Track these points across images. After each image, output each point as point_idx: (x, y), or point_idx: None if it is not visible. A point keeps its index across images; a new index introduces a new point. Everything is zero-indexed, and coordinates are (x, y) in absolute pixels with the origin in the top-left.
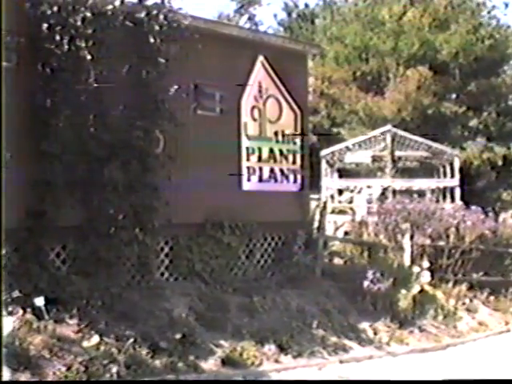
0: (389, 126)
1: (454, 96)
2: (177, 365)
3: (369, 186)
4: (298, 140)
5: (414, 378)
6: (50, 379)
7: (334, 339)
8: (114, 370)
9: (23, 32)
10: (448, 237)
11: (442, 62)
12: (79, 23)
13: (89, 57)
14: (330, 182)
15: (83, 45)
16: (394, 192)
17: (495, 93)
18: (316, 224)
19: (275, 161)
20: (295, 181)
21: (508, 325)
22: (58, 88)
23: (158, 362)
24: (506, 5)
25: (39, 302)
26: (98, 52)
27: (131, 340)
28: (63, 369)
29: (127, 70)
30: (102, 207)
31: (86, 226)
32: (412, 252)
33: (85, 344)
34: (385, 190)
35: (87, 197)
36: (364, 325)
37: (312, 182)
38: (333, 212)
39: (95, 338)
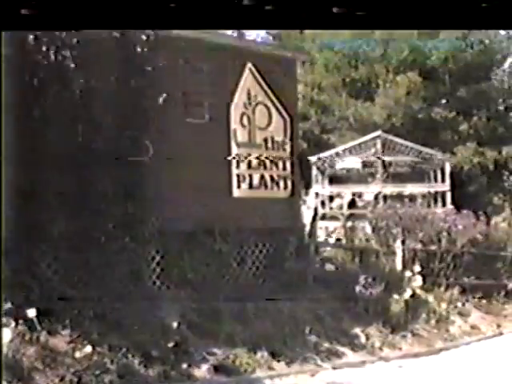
0: (379, 132)
1: (443, 101)
2: (170, 373)
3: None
4: (287, 146)
5: (407, 382)
6: None
7: (326, 345)
8: (107, 379)
9: (9, 43)
10: (439, 241)
11: (432, 67)
12: (64, 34)
13: (74, 66)
14: (320, 188)
15: (69, 54)
16: (385, 197)
17: (485, 97)
18: (307, 230)
19: (265, 167)
20: (285, 187)
21: (500, 328)
22: (46, 99)
23: (150, 371)
24: None
25: (31, 313)
26: (84, 62)
27: (124, 349)
28: (56, 380)
29: (115, 79)
30: (92, 217)
31: (77, 237)
32: (403, 256)
33: (77, 355)
34: (376, 195)
35: (77, 207)
36: (356, 330)
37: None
38: (324, 218)
39: (88, 349)
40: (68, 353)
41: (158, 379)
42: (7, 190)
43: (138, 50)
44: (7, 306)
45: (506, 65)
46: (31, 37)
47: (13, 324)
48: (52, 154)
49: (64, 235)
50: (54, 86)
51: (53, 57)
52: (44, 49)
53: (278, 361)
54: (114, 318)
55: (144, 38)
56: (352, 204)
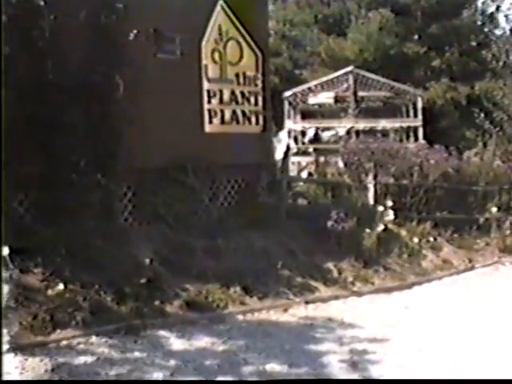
0: (351, 67)
1: (416, 37)
2: (142, 310)
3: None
4: (259, 81)
5: (381, 317)
6: (16, 329)
7: (299, 280)
8: (80, 317)
9: None
10: (412, 175)
11: (404, 4)
12: None
13: (42, 2)
14: (292, 123)
15: None
16: (358, 132)
17: (457, 34)
18: (279, 165)
19: (237, 102)
20: (257, 122)
21: (472, 262)
22: (14, 35)
23: (123, 308)
24: None
25: (3, 251)
26: None
27: (96, 287)
28: (29, 318)
29: (85, 16)
30: (63, 153)
31: (49, 173)
32: (376, 191)
33: (50, 292)
34: (348, 130)
35: (49, 144)
36: (329, 265)
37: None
38: (296, 153)
39: (60, 286)
40: (40, 290)
41: (130, 315)
42: None
43: None
44: None
45: (478, 3)
46: None
47: None
48: (21, 91)
49: (35, 172)
50: (22, 23)
51: None
52: None
53: (251, 296)
54: (86, 256)
55: None
56: (316, 138)
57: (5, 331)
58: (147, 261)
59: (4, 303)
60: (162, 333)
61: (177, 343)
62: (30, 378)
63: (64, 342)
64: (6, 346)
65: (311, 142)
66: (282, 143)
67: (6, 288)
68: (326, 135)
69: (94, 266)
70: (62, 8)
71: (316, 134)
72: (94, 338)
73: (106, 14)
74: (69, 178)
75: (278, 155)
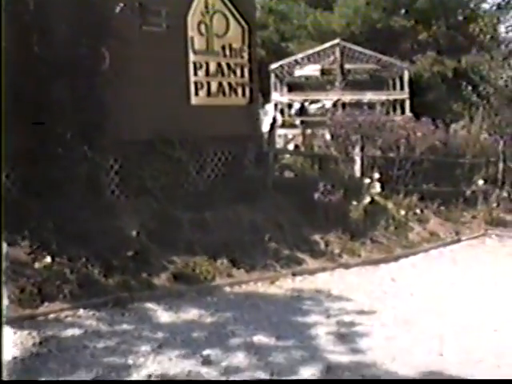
0: (338, 40)
1: (403, 11)
2: (130, 283)
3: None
4: (245, 54)
5: (367, 289)
6: (4, 303)
7: (286, 252)
8: (67, 290)
9: None
10: (398, 148)
11: None
12: None
13: None
14: (279, 96)
15: None
16: (344, 105)
17: (444, 8)
18: (266, 137)
19: (223, 75)
20: (244, 94)
21: (458, 235)
22: None
23: (110, 281)
24: None
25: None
26: None
27: (83, 259)
28: (16, 291)
29: None
30: (49, 127)
31: (35, 148)
32: (362, 163)
33: (37, 265)
34: (335, 102)
35: (34, 117)
36: (316, 237)
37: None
38: (283, 126)
39: (47, 259)
40: (28, 264)
41: (117, 288)
42: None
43: None
44: None
45: None
46: None
47: None
48: (6, 63)
49: (21, 145)
50: None
51: None
52: None
53: (238, 268)
54: (73, 229)
55: None
56: (302, 111)
57: None
58: (134, 233)
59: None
60: (150, 305)
61: (164, 316)
62: (18, 351)
63: (52, 315)
64: None
65: (298, 114)
66: (268, 115)
67: None
68: (312, 108)
69: (81, 239)
70: None
71: (302, 107)
72: (81, 311)
73: None
74: (55, 151)
75: (265, 127)
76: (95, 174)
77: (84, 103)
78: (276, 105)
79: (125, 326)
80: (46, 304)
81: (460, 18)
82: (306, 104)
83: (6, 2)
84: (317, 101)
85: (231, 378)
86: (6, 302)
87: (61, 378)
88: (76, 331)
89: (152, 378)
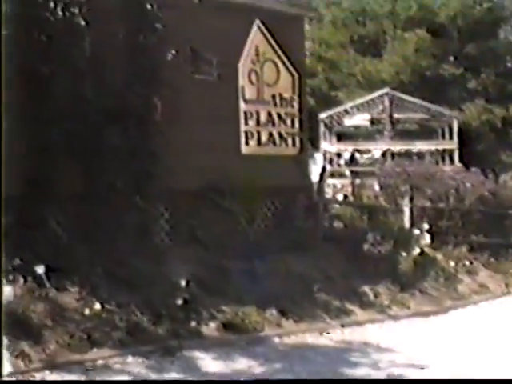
0: (387, 89)
1: (452, 58)
2: (179, 331)
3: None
4: (295, 103)
5: (416, 342)
6: (52, 348)
7: (335, 303)
8: (116, 337)
9: (18, 1)
10: (448, 199)
11: (440, 24)
12: None
13: (83, 23)
14: (328, 145)
15: (77, 11)
16: (393, 155)
17: (493, 55)
18: (316, 187)
19: (273, 124)
20: (294, 144)
21: (508, 287)
22: (55, 55)
23: (159, 329)
24: None
25: (40, 269)
26: (93, 18)
27: (133, 307)
28: (66, 337)
29: (124, 36)
30: (101, 174)
31: (87, 194)
32: (412, 214)
33: (87, 312)
34: (384, 152)
35: (87, 164)
36: (365, 288)
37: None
38: (332, 175)
39: (97, 306)
40: (77, 310)
41: (166, 337)
42: (18, 147)
43: (148, 6)
44: (16, 262)
45: None
46: None
47: (21, 281)
48: (61, 111)
49: (73, 192)
50: (63, 43)
51: (61, 13)
52: (52, 5)
53: (287, 319)
54: (122, 276)
55: None
56: (352, 161)
57: (40, 349)
58: (183, 282)
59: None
60: (199, 354)
61: (213, 365)
62: None
63: (100, 362)
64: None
65: (348, 164)
66: (317, 165)
67: (41, 306)
68: (362, 157)
69: (130, 286)
70: (101, 28)
71: (352, 157)
72: (130, 358)
73: (144, 34)
74: (107, 198)
75: (315, 177)
76: (145, 222)
77: (136, 151)
78: (325, 154)
79: (174, 375)
80: (95, 350)
81: (509, 65)
82: (357, 154)
83: (60, 48)
84: (367, 151)
85: None
86: (53, 346)
87: None
88: (125, 378)
89: None
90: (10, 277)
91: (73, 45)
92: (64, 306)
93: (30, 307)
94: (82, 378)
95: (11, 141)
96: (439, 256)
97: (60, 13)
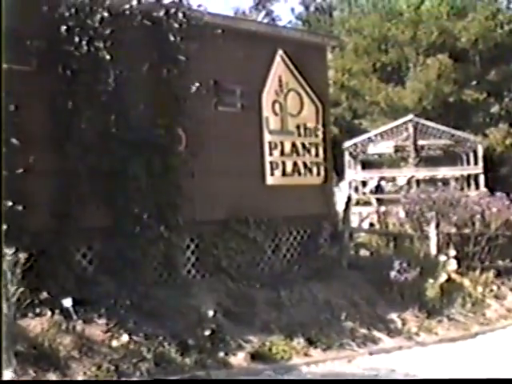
0: (410, 116)
1: (474, 83)
2: (206, 361)
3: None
4: (320, 133)
5: (445, 367)
6: (80, 379)
7: (362, 331)
8: (144, 368)
9: (42, 35)
10: (474, 224)
11: (462, 49)
12: (97, 24)
13: (108, 57)
14: (353, 173)
15: (102, 45)
16: (418, 181)
17: None
18: (341, 216)
19: (298, 154)
20: (318, 173)
21: None
22: (79, 89)
23: (187, 360)
24: None
25: (67, 302)
26: (117, 52)
27: (160, 338)
28: (93, 368)
29: (147, 68)
30: (126, 206)
31: (112, 226)
32: (438, 240)
33: (114, 343)
34: (409, 179)
35: (111, 197)
36: (392, 315)
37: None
38: (357, 203)
39: (124, 337)
40: (104, 342)
41: (194, 367)
42: (44, 181)
43: (171, 38)
44: (43, 295)
45: None
46: (63, 27)
47: (49, 314)
48: (86, 144)
49: (98, 225)
50: (87, 77)
51: (85, 48)
52: (76, 40)
53: (315, 347)
54: (149, 307)
55: (176, 26)
56: (378, 189)
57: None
58: (210, 312)
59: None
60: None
61: None
62: None
63: None
64: None
65: (372, 192)
66: (343, 194)
67: (68, 339)
68: (387, 185)
69: (157, 318)
70: (125, 61)
71: (379, 185)
72: None
73: (168, 67)
74: (132, 230)
75: (340, 206)
76: (171, 253)
77: (160, 183)
78: (350, 183)
79: None
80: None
81: None
82: (383, 182)
83: (85, 82)
84: (392, 178)
85: None
86: (81, 378)
87: None
88: None
89: None
90: (37, 310)
91: (97, 79)
92: (91, 338)
93: (57, 340)
94: None
95: (36, 175)
96: (466, 282)
97: (85, 47)
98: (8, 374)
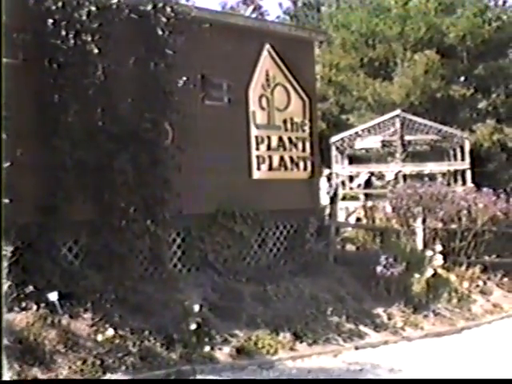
0: (398, 111)
1: (462, 79)
2: (192, 356)
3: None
4: (306, 127)
5: (430, 362)
6: (65, 373)
7: (348, 325)
8: (129, 362)
9: (28, 28)
10: (460, 219)
11: (449, 45)
12: (84, 18)
13: (95, 51)
14: (340, 168)
15: (89, 39)
16: (405, 176)
17: (503, 74)
18: (327, 210)
19: (285, 149)
20: (305, 168)
21: None
22: (66, 83)
23: (173, 354)
24: None
25: (53, 296)
26: (105, 45)
27: (145, 332)
28: (78, 363)
29: (134, 62)
30: (113, 200)
31: (98, 220)
32: (424, 236)
33: (99, 338)
34: (396, 174)
35: (98, 191)
36: (378, 310)
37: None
38: (344, 198)
39: (110, 332)
40: (90, 336)
41: (179, 362)
42: (30, 175)
43: (159, 32)
44: (29, 289)
45: None
46: (50, 21)
47: (34, 308)
48: (72, 138)
49: (85, 219)
50: (74, 70)
51: (72, 41)
52: (63, 33)
53: (301, 342)
54: (135, 301)
55: (164, 20)
56: (368, 183)
57: (53, 375)
58: (196, 307)
59: None
60: (212, 379)
61: None
62: None
63: None
64: None
65: (359, 186)
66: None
67: (53, 333)
68: (374, 180)
69: (143, 312)
70: (112, 55)
71: (369, 180)
72: None
73: (155, 61)
74: (118, 224)
75: (326, 200)
76: (157, 247)
77: (147, 177)
78: (337, 177)
79: None
80: (108, 375)
81: None
82: (373, 177)
83: (72, 76)
84: (379, 173)
85: None
86: (66, 372)
87: None
88: None
89: None
90: (23, 304)
91: (84, 73)
92: (77, 332)
93: (43, 334)
94: None
95: (23, 169)
96: (452, 277)
97: (72, 41)
98: None
